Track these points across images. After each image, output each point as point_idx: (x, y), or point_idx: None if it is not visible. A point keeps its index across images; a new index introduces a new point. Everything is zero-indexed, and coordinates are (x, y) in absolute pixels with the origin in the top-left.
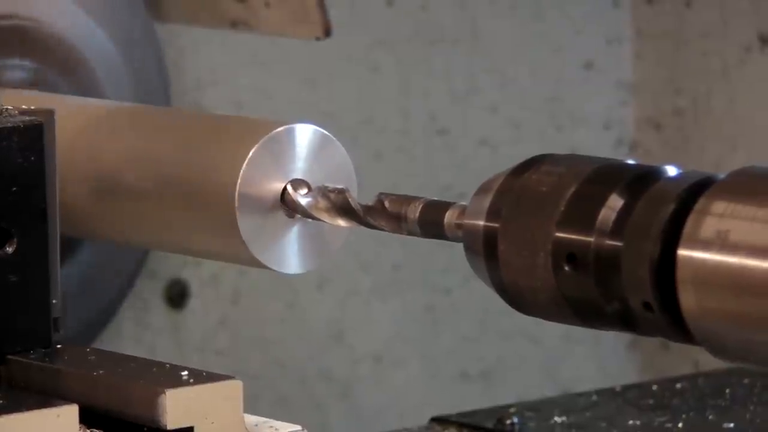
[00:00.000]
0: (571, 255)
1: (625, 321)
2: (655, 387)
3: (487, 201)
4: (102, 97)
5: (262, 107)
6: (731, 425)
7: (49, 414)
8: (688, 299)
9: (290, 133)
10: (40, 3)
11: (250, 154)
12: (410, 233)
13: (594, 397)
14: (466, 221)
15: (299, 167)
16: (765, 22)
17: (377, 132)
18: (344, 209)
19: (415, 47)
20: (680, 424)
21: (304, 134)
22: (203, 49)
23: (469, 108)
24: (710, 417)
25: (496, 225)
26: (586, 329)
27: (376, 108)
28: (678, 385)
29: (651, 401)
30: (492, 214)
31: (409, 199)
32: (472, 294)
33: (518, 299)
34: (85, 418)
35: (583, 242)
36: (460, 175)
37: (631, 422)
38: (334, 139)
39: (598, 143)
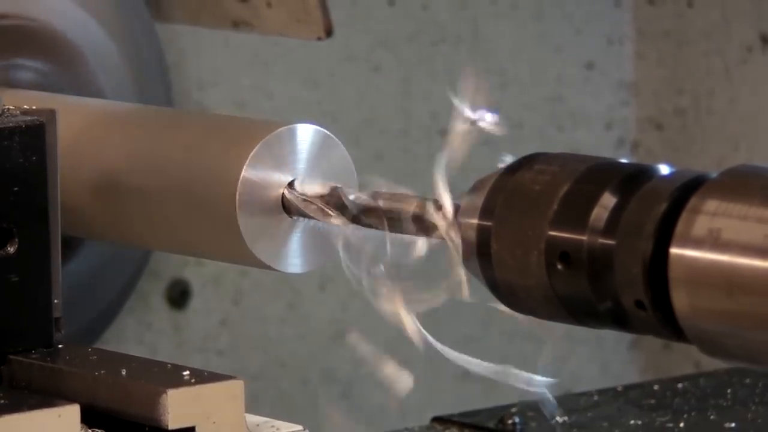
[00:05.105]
0: (564, 254)
1: (618, 319)
2: (656, 387)
3: (480, 200)
4: (103, 97)
5: (264, 107)
6: (733, 425)
7: (50, 414)
8: (680, 298)
9: (291, 133)
10: (42, 3)
11: (251, 154)
12: (405, 232)
13: (595, 397)
14: (460, 220)
15: (300, 167)
16: (766, 22)
17: (378, 132)
18: (339, 208)
19: (416, 47)
20: (682, 424)
21: (306, 134)
22: (205, 49)
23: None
24: (712, 417)
25: (490, 224)
26: (588, 329)
27: (377, 108)
28: (679, 385)
29: (652, 401)
30: (485, 212)
31: (403, 198)
32: (474, 294)
33: (511, 298)
34: (86, 418)
35: (576, 241)
36: (462, 174)
37: (632, 422)
38: (336, 138)
39: (599, 143)
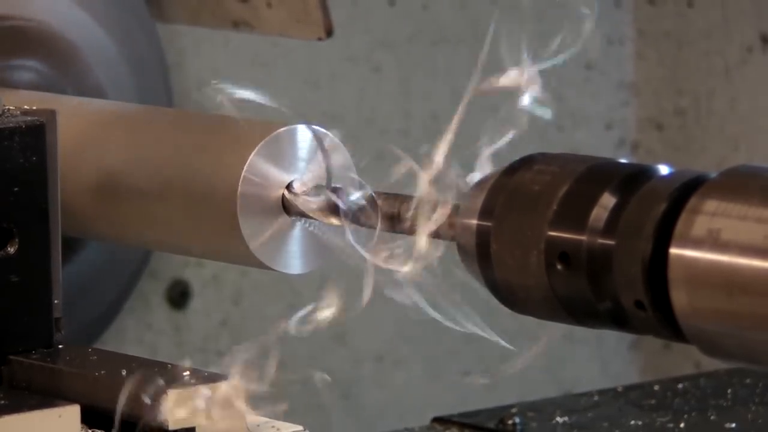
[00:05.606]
0: (563, 254)
1: (618, 320)
2: (656, 387)
3: (479, 200)
4: (103, 97)
5: (264, 108)
6: (733, 425)
7: (50, 414)
8: (679, 298)
9: (292, 134)
10: (42, 3)
11: (252, 154)
12: (403, 232)
13: (596, 398)
14: (459, 220)
15: (301, 168)
16: (766, 21)
17: (379, 132)
18: (339, 208)
19: (416, 47)
20: (682, 425)
21: (306, 134)
22: (205, 49)
23: (470, 108)
24: (712, 417)
25: (489, 224)
26: (588, 329)
27: (377, 108)
28: (680, 386)
29: (653, 401)
30: (485, 213)
31: (402, 198)
32: (474, 294)
33: (511, 298)
34: (86, 418)
35: (576, 241)
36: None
37: (632, 422)
38: (336, 139)
39: (599, 143)
